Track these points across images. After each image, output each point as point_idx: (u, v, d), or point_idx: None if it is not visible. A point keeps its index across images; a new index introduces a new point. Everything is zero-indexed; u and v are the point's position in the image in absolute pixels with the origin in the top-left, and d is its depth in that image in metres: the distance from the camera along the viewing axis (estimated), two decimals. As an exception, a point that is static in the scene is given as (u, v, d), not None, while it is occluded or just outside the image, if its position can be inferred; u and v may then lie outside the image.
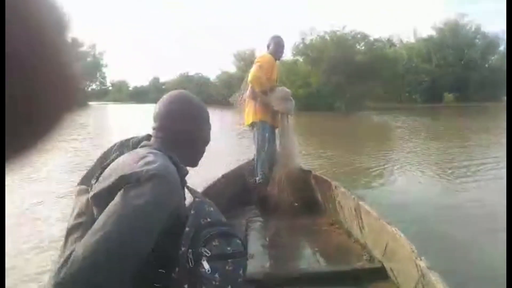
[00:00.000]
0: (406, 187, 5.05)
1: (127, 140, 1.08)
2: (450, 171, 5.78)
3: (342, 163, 6.64)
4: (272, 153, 3.68)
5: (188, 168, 1.04)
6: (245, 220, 3.31)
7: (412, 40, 32.62)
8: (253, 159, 3.93)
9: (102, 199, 0.86)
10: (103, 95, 57.11)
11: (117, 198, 0.82)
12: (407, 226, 2.63)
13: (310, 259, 2.65)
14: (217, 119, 17.44)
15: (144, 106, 35.61)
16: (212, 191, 3.22)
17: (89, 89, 52.95)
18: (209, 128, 1.14)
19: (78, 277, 0.74)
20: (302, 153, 7.39)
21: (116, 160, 0.95)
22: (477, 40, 30.56)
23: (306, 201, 3.65)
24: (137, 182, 0.82)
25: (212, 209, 0.99)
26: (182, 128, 1.05)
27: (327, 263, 2.55)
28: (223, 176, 3.64)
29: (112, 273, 0.77)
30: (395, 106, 22.67)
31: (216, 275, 0.87)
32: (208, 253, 0.87)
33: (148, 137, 1.08)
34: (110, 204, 0.81)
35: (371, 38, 20.85)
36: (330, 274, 2.26)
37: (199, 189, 3.11)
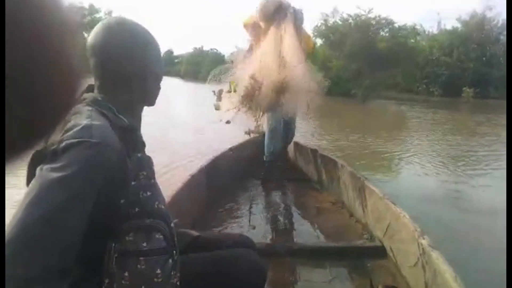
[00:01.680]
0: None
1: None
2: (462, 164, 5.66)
3: (351, 146, 6.57)
4: (280, 132, 3.66)
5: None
6: (249, 193, 3.42)
7: (435, 31, 31.62)
8: (263, 134, 3.95)
9: (28, 178, 0.76)
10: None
11: (34, 179, 0.71)
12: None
13: (310, 235, 2.69)
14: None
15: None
16: (219, 162, 3.33)
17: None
18: (159, 60, 0.99)
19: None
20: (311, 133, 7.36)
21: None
22: (502, 37, 29.53)
23: (310, 179, 3.77)
24: (52, 156, 0.72)
25: (148, 193, 0.87)
26: (124, 65, 0.90)
27: (326, 239, 2.60)
28: (231, 149, 3.73)
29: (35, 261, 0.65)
30: (412, 97, 22.25)
31: (126, 274, 0.80)
32: (118, 249, 0.80)
33: (89, 88, 0.93)
34: (30, 184, 0.72)
35: (396, 25, 20.23)
36: (328, 249, 2.32)
37: (207, 160, 3.20)
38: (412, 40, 22.71)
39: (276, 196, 3.47)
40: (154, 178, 0.92)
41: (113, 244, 0.81)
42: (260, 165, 3.79)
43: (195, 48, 50.82)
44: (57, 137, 0.74)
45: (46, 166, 0.71)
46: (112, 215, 0.81)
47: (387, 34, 20.35)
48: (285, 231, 2.78)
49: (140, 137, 0.96)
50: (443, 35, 30.17)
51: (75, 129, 0.75)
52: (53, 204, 0.68)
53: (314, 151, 3.79)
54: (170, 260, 0.86)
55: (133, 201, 0.84)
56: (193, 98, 19.52)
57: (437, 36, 30.48)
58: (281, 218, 3.01)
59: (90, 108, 0.84)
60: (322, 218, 2.93)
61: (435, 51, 27.99)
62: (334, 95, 18.31)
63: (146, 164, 0.91)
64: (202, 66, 38.13)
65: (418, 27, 29.44)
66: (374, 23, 19.86)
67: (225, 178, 3.34)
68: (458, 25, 30.16)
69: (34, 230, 0.65)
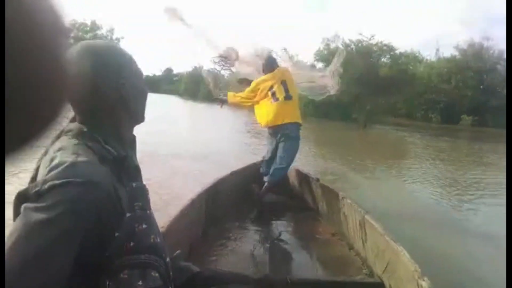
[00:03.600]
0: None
1: (65, 127, 0.88)
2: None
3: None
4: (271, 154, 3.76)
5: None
6: (249, 219, 3.35)
7: (433, 58, 32.12)
8: (261, 161, 3.97)
9: (14, 214, 0.72)
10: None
11: (16, 220, 0.67)
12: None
13: (309, 266, 2.62)
14: (229, 116, 17.39)
15: (153, 96, 35.82)
16: (219, 187, 3.26)
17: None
18: (138, 75, 0.93)
19: None
20: (312, 158, 7.23)
21: (43, 161, 0.79)
22: (499, 66, 30.02)
23: (310, 209, 3.69)
24: (36, 197, 0.68)
25: (144, 226, 0.83)
26: (101, 92, 0.85)
27: (325, 273, 2.53)
28: (232, 173, 3.68)
29: None
30: (411, 123, 22.41)
31: None
32: (112, 287, 0.76)
33: (75, 116, 0.88)
34: (12, 226, 0.67)
35: (397, 52, 20.56)
36: (328, 283, 2.26)
37: (207, 184, 3.08)
38: (411, 67, 23.05)
39: (276, 224, 3.40)
40: (149, 209, 0.89)
41: (107, 282, 0.77)
42: (260, 192, 3.72)
43: (195, 67, 51.24)
44: (43, 174, 0.72)
45: (30, 206, 0.67)
46: (106, 250, 0.77)
47: (388, 60, 20.63)
48: (284, 262, 2.73)
49: (134, 162, 0.92)
50: (441, 62, 30.67)
51: (59, 168, 0.71)
52: (36, 246, 0.64)
53: (315, 180, 3.71)
54: None
55: (128, 234, 0.80)
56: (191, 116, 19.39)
57: (435, 63, 30.98)
58: (280, 248, 2.95)
59: (75, 141, 0.81)
60: (321, 249, 2.87)
61: (433, 78, 28.39)
62: (334, 119, 18.39)
63: (141, 194, 0.87)
64: (201, 85, 38.31)
65: (417, 54, 30.07)
66: (376, 49, 20.18)
67: (225, 203, 3.32)
68: (456, 53, 30.81)
69: (17, 274, 0.61)
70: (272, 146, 3.75)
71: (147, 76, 67.74)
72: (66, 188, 0.69)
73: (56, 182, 0.69)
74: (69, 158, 0.74)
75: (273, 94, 3.60)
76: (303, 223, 3.43)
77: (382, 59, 20.74)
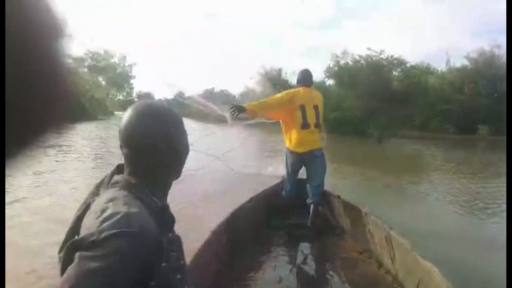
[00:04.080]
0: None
1: (104, 178, 0.95)
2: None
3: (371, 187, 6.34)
4: (293, 172, 3.78)
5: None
6: (272, 244, 3.28)
7: (443, 68, 31.84)
8: (281, 181, 4.00)
9: (64, 265, 0.75)
10: (128, 105, 58.06)
11: (70, 267, 0.71)
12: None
13: (339, 287, 2.56)
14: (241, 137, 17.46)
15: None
16: (239, 215, 3.18)
17: (116, 99, 54.05)
18: (186, 138, 0.99)
19: None
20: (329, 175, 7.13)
21: (88, 212, 0.84)
22: (511, 73, 29.46)
23: (334, 227, 3.62)
24: (91, 246, 0.72)
25: (178, 276, 0.85)
26: (158, 151, 0.91)
27: None
28: (251, 200, 3.59)
29: None
30: (426, 135, 22.08)
31: None
32: None
33: (119, 169, 0.95)
34: (65, 272, 0.71)
35: (408, 65, 20.54)
36: None
37: (227, 214, 3.04)
38: (423, 79, 22.91)
39: (301, 245, 3.34)
40: (183, 259, 0.92)
41: None
42: (281, 213, 3.72)
43: (206, 89, 51.99)
44: (94, 224, 0.75)
45: (85, 254, 0.71)
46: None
47: (399, 74, 20.60)
48: (313, 284, 2.68)
49: (171, 214, 0.95)
50: (452, 72, 30.37)
51: (114, 219, 0.75)
52: None
53: (336, 197, 3.68)
54: None
55: (163, 284, 0.81)
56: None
57: (447, 73, 30.70)
58: (307, 271, 2.88)
59: (125, 193, 0.85)
60: (350, 269, 2.80)
61: (445, 88, 28.09)
62: (348, 134, 18.27)
63: (177, 244, 0.90)
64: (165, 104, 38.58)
65: (427, 65, 29.91)
66: (386, 63, 20.20)
67: (246, 230, 3.27)
68: (466, 62, 30.49)
69: None
70: (297, 167, 3.77)
71: (160, 100, 68.70)
72: (121, 238, 0.73)
73: (112, 232, 0.73)
74: (122, 208, 0.78)
75: (304, 116, 3.58)
76: (329, 242, 3.36)
77: (393, 73, 20.73)
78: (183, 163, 0.99)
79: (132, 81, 57.15)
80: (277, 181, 4.23)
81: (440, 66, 31.77)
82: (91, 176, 6.46)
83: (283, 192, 3.88)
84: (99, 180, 0.97)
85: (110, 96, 48.11)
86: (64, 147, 10.74)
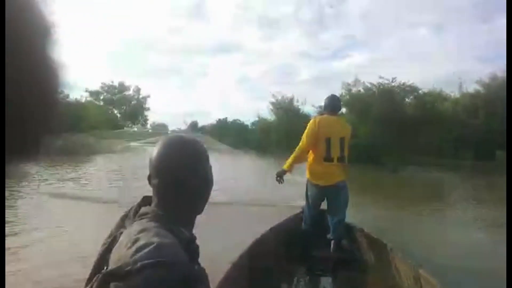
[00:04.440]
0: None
1: (129, 211, 0.96)
2: None
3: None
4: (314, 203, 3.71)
5: None
6: (292, 277, 3.19)
7: (456, 94, 31.67)
8: (301, 212, 3.92)
9: None
10: (144, 137, 59.03)
11: None
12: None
13: None
14: (255, 165, 17.47)
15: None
16: (259, 247, 3.11)
17: (131, 131, 54.97)
18: (211, 171, 1.00)
19: None
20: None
21: (116, 245, 0.84)
22: (527, 97, 29.10)
23: (357, 261, 3.48)
24: (126, 276, 0.73)
25: None
26: (188, 184, 0.92)
27: None
28: (271, 230, 3.52)
29: None
30: (442, 162, 21.68)
31: None
32: None
33: (145, 201, 0.96)
34: None
35: (421, 92, 20.53)
36: None
37: (247, 246, 3.00)
38: (437, 105, 22.79)
39: (322, 279, 3.27)
40: None
41: None
42: (302, 245, 3.63)
43: (219, 119, 52.62)
44: (125, 255, 0.76)
45: (120, 285, 0.72)
46: None
47: (412, 101, 20.56)
48: None
49: (197, 246, 0.96)
50: (465, 97, 30.17)
51: (147, 249, 0.75)
52: None
53: (359, 231, 3.60)
54: None
55: None
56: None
57: (460, 99, 30.51)
58: None
59: (155, 224, 0.85)
60: None
61: (460, 114, 27.81)
62: (363, 163, 18.08)
63: (203, 276, 0.91)
64: (225, 137, 38.96)
65: (440, 91, 29.81)
66: (398, 90, 20.23)
67: (266, 262, 3.18)
68: (478, 87, 30.29)
69: None
70: (318, 200, 3.69)
71: (173, 131, 69.74)
72: (155, 268, 0.73)
73: (146, 262, 0.73)
74: (154, 239, 0.78)
75: (328, 149, 3.49)
76: (351, 277, 3.27)
77: (406, 100, 20.70)
78: (208, 198, 1.00)
79: (146, 112, 58.33)
80: (297, 211, 4.16)
81: (453, 92, 31.65)
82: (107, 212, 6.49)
83: (303, 224, 3.80)
84: (123, 213, 0.97)
85: (125, 128, 48.94)
86: (81, 180, 10.87)
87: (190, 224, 0.97)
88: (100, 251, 0.91)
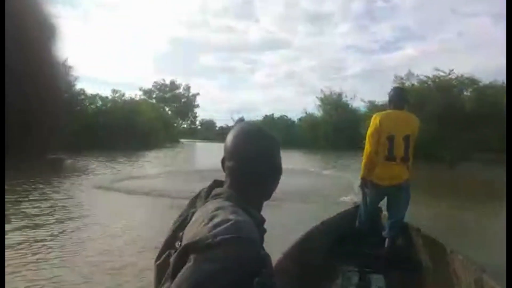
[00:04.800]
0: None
1: (199, 192, 1.00)
2: None
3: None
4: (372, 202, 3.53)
5: None
6: (342, 272, 3.11)
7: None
8: (355, 207, 3.78)
9: (174, 268, 0.81)
10: (193, 133, 60.83)
11: (185, 268, 0.76)
12: None
13: None
14: (302, 161, 17.31)
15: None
16: (309, 239, 3.03)
17: (181, 127, 56.78)
18: (280, 157, 1.03)
19: None
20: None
21: (190, 222, 0.88)
22: None
23: (410, 262, 3.28)
24: (206, 249, 0.76)
25: None
26: (258, 169, 0.96)
27: None
28: (322, 223, 3.42)
29: None
30: (504, 158, 20.09)
31: None
32: None
33: (216, 184, 1.01)
34: (179, 274, 0.76)
35: (481, 84, 19.08)
36: None
37: (298, 238, 2.92)
38: (498, 98, 21.13)
39: (373, 277, 3.15)
40: (273, 276, 0.92)
41: None
42: (354, 240, 3.49)
43: (266, 115, 52.73)
44: (202, 231, 0.79)
45: (200, 257, 0.76)
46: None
47: (471, 94, 19.21)
48: None
49: (265, 230, 0.98)
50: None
51: (226, 224, 0.78)
52: None
53: (415, 230, 3.39)
54: None
55: None
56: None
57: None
58: None
59: (230, 203, 0.88)
60: None
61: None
62: (418, 158, 17.19)
63: (268, 261, 0.91)
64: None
65: (501, 83, 27.68)
66: (456, 83, 18.98)
67: (317, 255, 3.11)
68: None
69: None
70: (376, 200, 3.52)
71: (221, 127, 71.08)
72: (234, 242, 0.76)
73: (226, 236, 0.76)
74: (231, 216, 0.81)
75: (390, 149, 3.25)
76: (405, 277, 3.13)
77: (465, 93, 19.37)
78: (277, 186, 1.04)
79: (195, 109, 59.97)
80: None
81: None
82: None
83: (357, 223, 3.65)
84: (194, 195, 1.01)
85: (175, 125, 50.69)
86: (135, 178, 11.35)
87: (259, 208, 0.99)
88: (171, 229, 0.95)
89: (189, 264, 0.76)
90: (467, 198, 8.72)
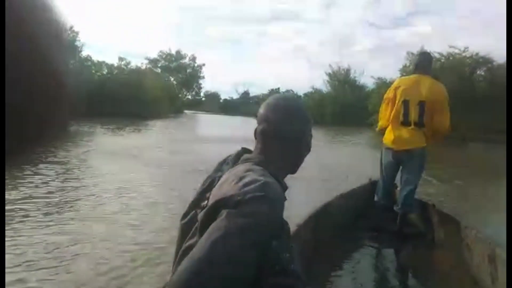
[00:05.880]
0: None
1: (227, 158, 1.04)
2: None
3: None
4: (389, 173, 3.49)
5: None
6: (356, 246, 3.11)
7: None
8: (371, 183, 3.77)
9: (203, 223, 0.82)
10: (196, 104, 60.51)
11: (217, 221, 0.78)
12: None
13: None
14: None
15: (233, 118, 37.09)
16: (328, 210, 3.08)
17: (185, 98, 56.48)
18: (311, 133, 1.07)
19: None
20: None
21: (218, 183, 0.91)
22: None
23: (425, 237, 3.29)
24: (236, 205, 0.79)
25: (287, 255, 0.88)
26: (289, 135, 1.01)
27: None
28: (342, 196, 3.43)
29: None
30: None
31: None
32: None
33: (244, 150, 1.05)
34: (210, 227, 0.78)
35: (495, 63, 18.55)
36: None
37: (316, 208, 2.84)
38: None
39: (386, 251, 3.14)
40: (291, 241, 0.96)
41: None
42: (372, 215, 3.51)
43: (272, 89, 52.31)
44: (232, 189, 0.82)
45: (231, 212, 0.78)
46: (260, 270, 0.82)
47: (485, 73, 18.72)
48: None
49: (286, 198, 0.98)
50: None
51: (256, 184, 0.81)
52: (236, 246, 0.75)
53: (431, 206, 3.34)
54: None
55: (274, 259, 0.84)
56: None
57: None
58: (393, 280, 2.69)
59: (259, 167, 0.91)
60: (439, 282, 2.57)
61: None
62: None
63: (286, 226, 0.95)
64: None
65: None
66: (469, 61, 18.47)
67: (332, 228, 3.14)
68: None
69: (219, 267, 0.73)
70: (392, 168, 3.43)
71: (226, 100, 70.75)
72: (264, 200, 0.80)
73: (257, 194, 0.79)
74: (260, 177, 0.84)
75: (405, 114, 3.23)
76: (418, 252, 3.13)
77: (478, 72, 18.89)
78: (304, 154, 1.07)
79: (200, 81, 59.44)
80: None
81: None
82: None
83: (375, 197, 3.60)
84: (222, 159, 1.04)
85: (180, 95, 50.38)
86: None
87: (283, 177, 1.01)
88: (198, 190, 0.98)
89: (221, 217, 0.78)
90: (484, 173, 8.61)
